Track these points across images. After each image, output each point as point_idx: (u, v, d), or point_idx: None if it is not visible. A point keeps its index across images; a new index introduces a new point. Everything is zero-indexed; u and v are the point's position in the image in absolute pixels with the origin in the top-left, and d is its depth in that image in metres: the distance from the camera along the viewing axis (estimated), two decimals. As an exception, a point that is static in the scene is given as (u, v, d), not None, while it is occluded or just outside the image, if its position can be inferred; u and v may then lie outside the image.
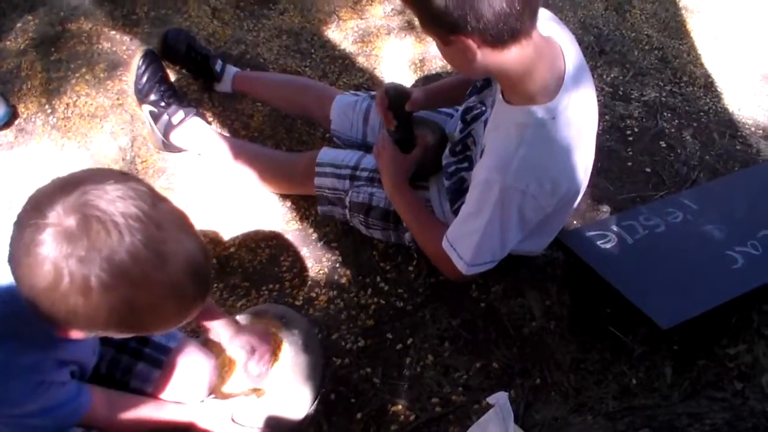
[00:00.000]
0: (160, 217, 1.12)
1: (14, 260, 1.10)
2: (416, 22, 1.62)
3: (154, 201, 1.13)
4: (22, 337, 1.31)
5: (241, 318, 2.02)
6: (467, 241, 1.82)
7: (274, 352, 1.94)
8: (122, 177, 1.14)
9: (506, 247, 1.83)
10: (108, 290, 1.07)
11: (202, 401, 1.87)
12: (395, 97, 2.07)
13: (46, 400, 1.42)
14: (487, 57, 1.53)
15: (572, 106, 1.65)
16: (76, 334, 1.22)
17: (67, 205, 1.06)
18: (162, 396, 1.82)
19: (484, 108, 1.94)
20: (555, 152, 1.67)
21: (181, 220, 1.18)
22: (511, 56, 1.53)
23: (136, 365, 1.79)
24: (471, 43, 1.49)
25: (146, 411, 1.75)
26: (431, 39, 1.62)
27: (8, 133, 2.69)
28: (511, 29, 1.47)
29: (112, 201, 1.07)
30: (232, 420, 1.84)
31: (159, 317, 1.18)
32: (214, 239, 2.40)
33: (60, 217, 1.05)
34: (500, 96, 1.72)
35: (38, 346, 1.35)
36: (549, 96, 1.62)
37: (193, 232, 1.19)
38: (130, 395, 1.76)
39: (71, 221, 1.05)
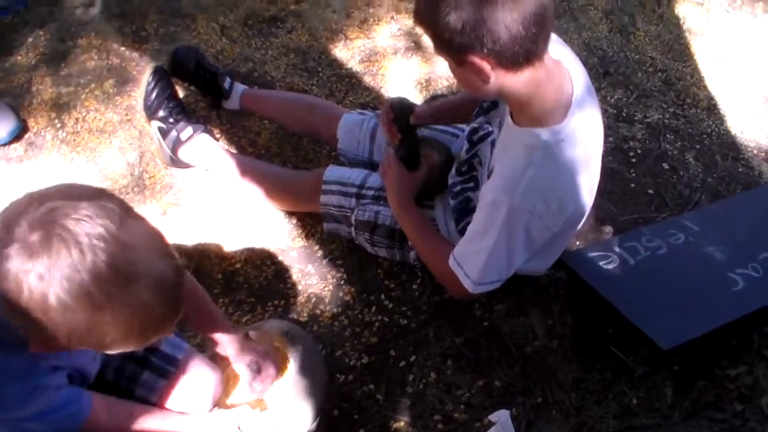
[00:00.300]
0: (129, 236, 1.11)
1: None
2: (423, 42, 1.65)
3: (124, 219, 1.12)
4: (10, 346, 1.31)
5: (245, 333, 2.03)
6: (474, 259, 1.84)
7: (279, 369, 1.96)
8: (94, 194, 1.14)
9: (512, 267, 1.85)
10: (67, 310, 1.06)
11: (208, 412, 1.88)
12: (399, 110, 2.09)
13: (42, 404, 1.43)
14: (500, 79, 1.56)
15: (579, 129, 1.67)
16: (50, 349, 1.23)
17: (33, 220, 1.06)
18: (166, 406, 1.82)
19: (490, 129, 1.96)
20: (562, 173, 1.69)
21: (153, 240, 1.16)
22: (524, 78, 1.56)
23: (141, 374, 1.79)
24: (485, 64, 1.51)
25: (150, 420, 1.75)
26: (440, 59, 1.64)
27: (18, 147, 2.72)
28: (526, 52, 1.50)
29: (79, 220, 1.07)
30: (239, 430, 1.85)
31: (125, 336, 1.16)
32: (220, 255, 2.41)
33: (25, 232, 1.05)
34: (509, 118, 1.74)
35: (30, 352, 1.32)
36: (557, 118, 1.64)
37: (165, 251, 1.18)
38: (133, 403, 1.76)
39: (34, 237, 1.05)
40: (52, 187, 1.15)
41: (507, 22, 1.43)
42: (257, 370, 1.87)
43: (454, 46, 1.52)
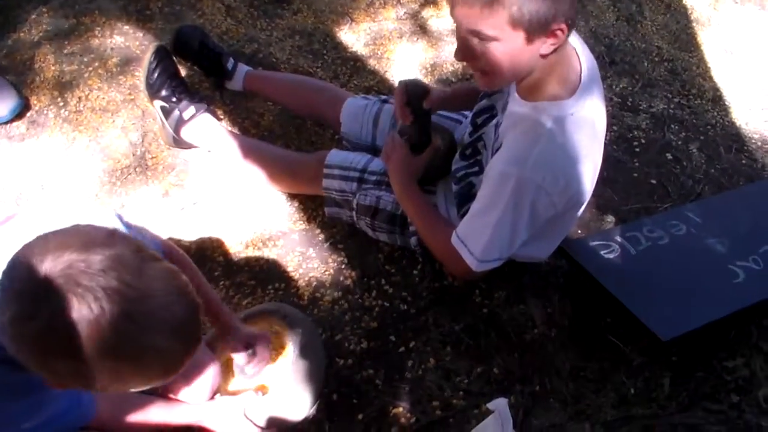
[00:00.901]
0: (144, 285, 1.12)
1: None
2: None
3: (141, 266, 1.13)
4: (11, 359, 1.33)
5: (245, 316, 2.04)
6: (478, 236, 1.85)
7: (277, 351, 1.97)
8: (109, 242, 1.13)
9: (514, 245, 1.85)
10: (90, 360, 1.08)
11: (211, 400, 1.89)
12: (414, 92, 2.09)
13: (46, 414, 1.44)
14: (545, 56, 1.62)
15: (588, 106, 1.70)
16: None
17: (49, 274, 1.06)
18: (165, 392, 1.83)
19: (495, 112, 1.96)
20: (571, 148, 1.70)
21: (167, 282, 1.17)
22: (542, 62, 1.63)
23: None
24: (562, 34, 1.58)
25: (155, 411, 1.76)
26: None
27: (20, 125, 2.72)
28: (573, 20, 1.58)
29: (94, 275, 1.07)
30: (245, 416, 1.86)
31: (148, 379, 1.19)
32: (221, 237, 2.42)
33: (41, 274, 1.06)
34: (516, 95, 1.77)
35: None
36: (568, 93, 1.68)
37: (183, 292, 1.18)
38: (137, 396, 1.76)
39: (46, 290, 1.05)
40: (66, 231, 1.15)
41: None
42: (252, 354, 1.87)
43: (538, 25, 1.55)
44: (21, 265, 1.09)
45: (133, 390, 1.21)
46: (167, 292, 1.15)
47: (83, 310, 1.05)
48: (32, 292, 1.06)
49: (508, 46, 1.60)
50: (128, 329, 1.08)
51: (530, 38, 1.57)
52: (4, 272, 1.11)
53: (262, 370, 1.93)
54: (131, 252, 1.14)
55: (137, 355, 1.12)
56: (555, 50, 1.61)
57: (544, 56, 1.62)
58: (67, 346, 1.06)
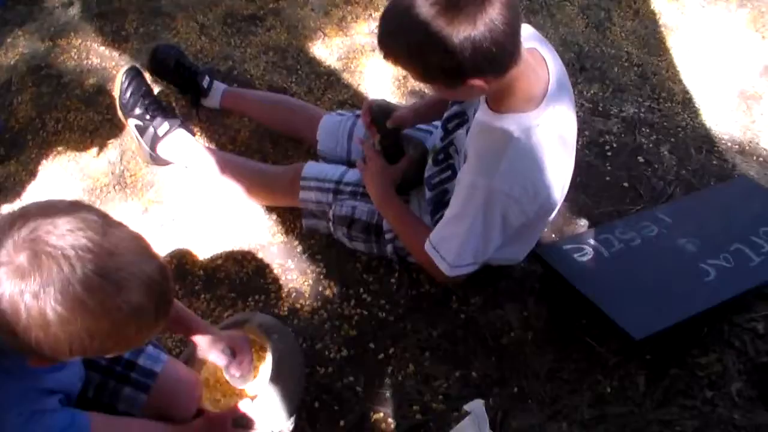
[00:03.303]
0: (113, 244, 1.14)
1: None
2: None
3: (106, 228, 1.15)
4: (5, 370, 1.33)
5: (222, 326, 2.05)
6: (450, 243, 1.88)
7: (257, 359, 1.99)
8: (72, 208, 1.16)
9: (488, 250, 1.88)
10: (66, 322, 1.10)
11: (196, 416, 1.90)
12: (378, 112, 2.15)
13: (43, 429, 1.42)
14: (492, 86, 1.62)
15: (556, 115, 1.72)
16: (49, 362, 1.26)
17: (17, 242, 1.09)
18: (151, 418, 1.82)
19: (466, 117, 1.99)
20: (539, 158, 1.73)
21: (135, 244, 1.20)
22: (507, 76, 1.63)
23: (122, 389, 1.78)
24: (481, 82, 1.59)
25: None
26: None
27: (-1, 147, 2.74)
28: (510, 55, 1.58)
29: (62, 235, 1.10)
30: (232, 427, 1.87)
31: (122, 340, 1.20)
32: (201, 251, 2.44)
33: (11, 254, 1.08)
34: (484, 104, 1.79)
35: (23, 377, 1.36)
36: (534, 104, 1.70)
37: (150, 254, 1.21)
38: (129, 419, 1.76)
39: (22, 258, 1.08)
40: (29, 205, 1.17)
41: (496, 34, 1.50)
42: (232, 355, 1.89)
43: (452, 76, 1.59)
44: None
45: (108, 356, 1.21)
46: (135, 251, 1.18)
47: (54, 270, 1.07)
48: (3, 261, 1.08)
49: (440, 91, 1.73)
50: (101, 285, 1.11)
51: (452, 86, 1.63)
52: None
53: (250, 368, 1.95)
54: (96, 215, 1.17)
55: (110, 312, 1.13)
56: (495, 80, 1.62)
57: (484, 89, 1.64)
58: (41, 309, 1.08)
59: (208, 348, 1.87)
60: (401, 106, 2.22)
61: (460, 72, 1.56)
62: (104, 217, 1.19)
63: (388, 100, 2.27)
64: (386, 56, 1.65)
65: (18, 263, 1.08)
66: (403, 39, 1.57)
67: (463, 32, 1.48)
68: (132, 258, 1.17)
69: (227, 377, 1.94)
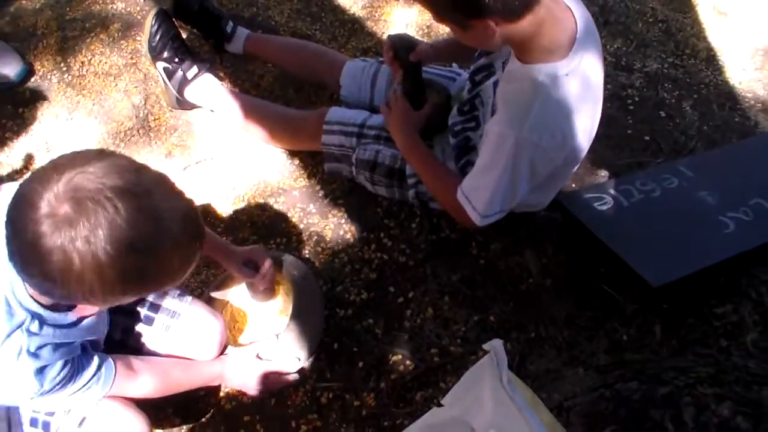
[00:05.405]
0: (147, 184, 1.19)
1: (20, 258, 1.16)
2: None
3: (137, 170, 1.20)
4: (38, 323, 1.38)
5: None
6: (481, 192, 1.89)
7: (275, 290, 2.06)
8: (101, 155, 1.19)
9: (516, 198, 1.90)
10: (117, 261, 1.13)
11: (222, 355, 1.95)
12: (400, 45, 2.13)
13: (74, 370, 1.49)
14: (504, 31, 1.61)
15: (583, 65, 1.72)
16: (92, 309, 1.30)
17: (57, 194, 1.11)
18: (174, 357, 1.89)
19: (493, 69, 1.99)
20: (567, 107, 1.73)
21: (165, 182, 1.24)
22: (526, 23, 1.61)
23: (148, 332, 1.86)
24: (491, 23, 1.58)
25: (175, 373, 1.81)
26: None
27: (25, 90, 2.76)
28: (525, 2, 1.57)
29: (100, 180, 1.13)
30: (258, 357, 1.93)
31: (167, 274, 1.24)
32: (223, 194, 2.47)
33: (54, 207, 1.11)
34: (514, 56, 1.79)
35: (54, 330, 1.42)
36: (561, 54, 1.70)
37: (178, 190, 1.26)
38: (154, 359, 1.82)
39: (66, 208, 1.11)
40: (58, 158, 1.19)
41: None
42: (254, 268, 1.93)
43: (460, 13, 1.59)
44: (24, 197, 1.14)
45: (152, 295, 1.26)
46: (167, 189, 1.23)
47: (99, 213, 1.11)
48: (47, 214, 1.11)
49: (455, 33, 1.72)
50: (145, 222, 1.15)
51: (463, 27, 1.64)
52: (10, 213, 1.16)
53: (273, 284, 2.00)
54: (125, 159, 1.21)
55: (156, 247, 1.18)
56: (532, 20, 1.61)
57: (495, 34, 1.62)
58: (94, 253, 1.12)
59: (231, 264, 1.92)
60: (423, 41, 2.21)
61: (469, 9, 1.56)
62: (131, 161, 1.22)
63: (408, 34, 2.26)
64: None
65: (63, 213, 1.11)
66: None
67: None
68: (166, 195, 1.21)
69: (250, 294, 1.99)
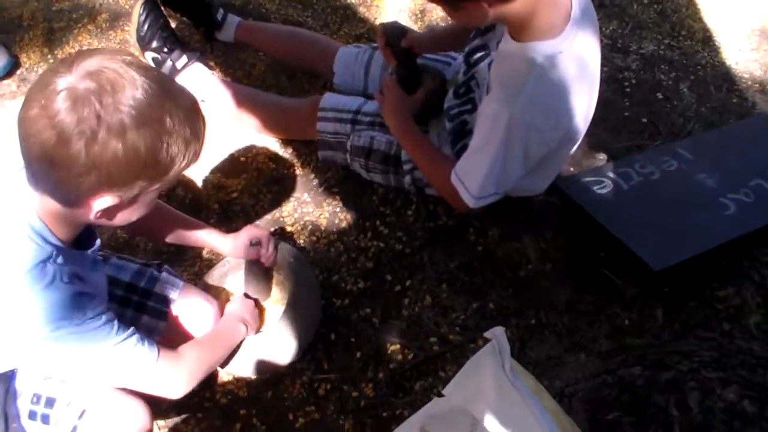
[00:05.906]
0: (159, 72, 1.31)
1: (40, 149, 1.19)
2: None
3: (147, 65, 1.29)
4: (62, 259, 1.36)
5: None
6: (474, 174, 1.87)
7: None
8: (117, 51, 1.27)
9: (510, 180, 1.87)
10: (140, 126, 1.18)
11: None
12: (392, 33, 2.13)
13: (115, 318, 1.46)
14: (497, 11, 1.59)
15: (578, 44, 1.70)
16: (104, 202, 1.27)
17: (77, 75, 1.17)
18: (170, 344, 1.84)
19: (488, 50, 1.97)
20: (561, 86, 1.71)
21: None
22: (519, 3, 1.59)
23: (141, 318, 1.81)
24: (483, 4, 1.56)
25: (206, 349, 1.76)
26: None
27: (11, 83, 2.73)
28: None
29: (115, 61, 1.20)
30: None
31: (183, 143, 1.28)
32: (216, 185, 2.43)
33: (75, 88, 1.15)
34: (507, 35, 1.76)
35: (62, 268, 1.36)
36: (556, 33, 1.67)
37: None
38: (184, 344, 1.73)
39: (86, 83, 1.16)
40: (62, 60, 1.24)
41: None
42: (258, 244, 1.93)
43: None
44: (43, 80, 1.20)
45: (172, 174, 1.31)
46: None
47: (121, 83, 1.18)
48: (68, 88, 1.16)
49: (448, 13, 1.72)
50: (161, 92, 1.23)
51: (455, 7, 1.63)
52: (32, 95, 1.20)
53: (276, 259, 1.99)
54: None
55: (171, 115, 1.24)
56: (500, 5, 1.59)
57: (487, 15, 1.61)
58: (121, 120, 1.17)
59: (231, 246, 1.92)
60: (414, 30, 2.19)
61: None
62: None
63: (399, 21, 2.25)
64: None
65: (84, 89, 1.15)
66: None
67: None
68: (176, 83, 1.34)
69: (248, 285, 1.98)
